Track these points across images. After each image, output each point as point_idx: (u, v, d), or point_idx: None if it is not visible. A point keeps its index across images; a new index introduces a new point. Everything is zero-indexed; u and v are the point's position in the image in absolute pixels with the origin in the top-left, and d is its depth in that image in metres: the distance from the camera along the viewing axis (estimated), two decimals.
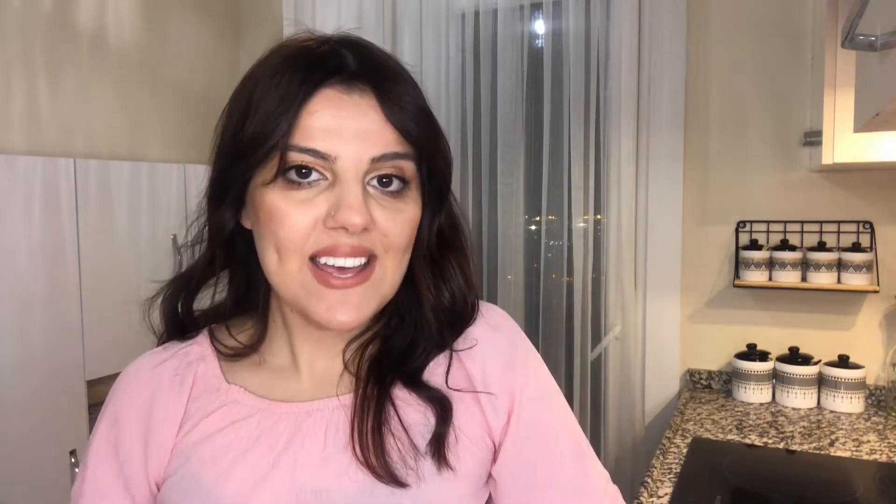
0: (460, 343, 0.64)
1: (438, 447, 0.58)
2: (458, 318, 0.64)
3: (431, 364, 0.63)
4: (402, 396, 0.61)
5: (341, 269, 0.56)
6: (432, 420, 0.59)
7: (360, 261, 0.56)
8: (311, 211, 0.55)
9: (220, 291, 0.67)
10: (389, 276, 0.59)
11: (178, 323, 0.67)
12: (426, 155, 0.59)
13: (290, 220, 0.55)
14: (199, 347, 0.66)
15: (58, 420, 1.55)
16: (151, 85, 1.98)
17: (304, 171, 0.55)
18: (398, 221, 0.57)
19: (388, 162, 0.56)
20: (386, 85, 0.57)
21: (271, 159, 0.55)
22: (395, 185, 0.58)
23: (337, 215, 0.54)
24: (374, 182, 0.57)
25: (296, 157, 0.55)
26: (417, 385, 0.61)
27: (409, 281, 0.62)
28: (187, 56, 2.11)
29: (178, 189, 1.85)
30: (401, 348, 0.63)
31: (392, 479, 0.56)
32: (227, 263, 0.65)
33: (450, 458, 0.58)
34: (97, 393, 1.63)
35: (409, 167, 0.58)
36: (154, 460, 0.62)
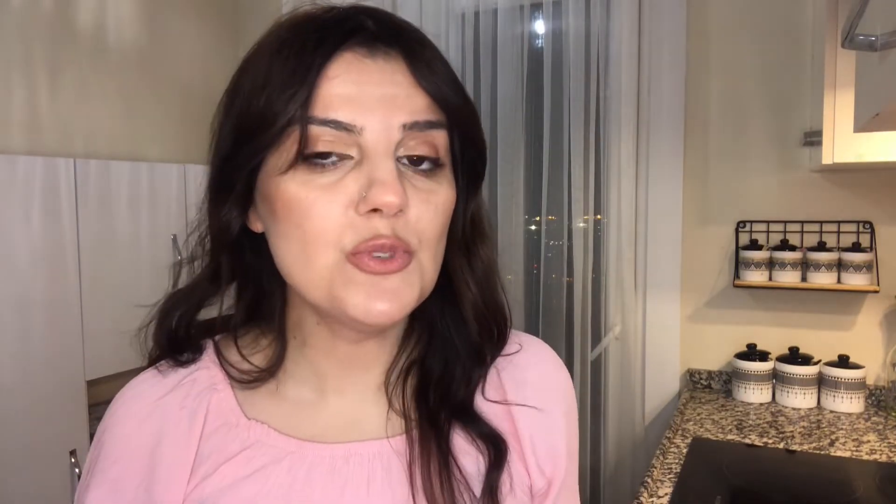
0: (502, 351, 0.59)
1: (492, 494, 0.53)
2: (491, 321, 0.58)
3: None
4: (452, 436, 0.55)
5: (381, 260, 0.48)
6: (483, 465, 0.54)
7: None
8: (340, 196, 0.47)
9: (228, 309, 0.59)
10: (427, 268, 0.51)
11: (175, 342, 0.57)
12: (460, 125, 0.52)
13: (316, 210, 0.47)
14: (207, 372, 0.56)
15: (58, 420, 1.55)
16: (151, 85, 1.98)
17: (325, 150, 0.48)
18: (432, 204, 0.50)
19: (419, 132, 0.49)
20: (413, 46, 0.50)
21: (288, 136, 0.47)
22: (427, 164, 0.50)
23: (369, 195, 0.46)
24: (405, 160, 0.49)
25: (316, 132, 0.47)
26: (472, 420, 0.55)
27: (441, 277, 0.54)
28: (187, 56, 2.10)
29: (178, 189, 1.85)
30: (441, 371, 0.56)
31: None
32: (235, 275, 0.56)
33: None
34: (97, 393, 1.63)
35: (442, 141, 0.51)
36: None
